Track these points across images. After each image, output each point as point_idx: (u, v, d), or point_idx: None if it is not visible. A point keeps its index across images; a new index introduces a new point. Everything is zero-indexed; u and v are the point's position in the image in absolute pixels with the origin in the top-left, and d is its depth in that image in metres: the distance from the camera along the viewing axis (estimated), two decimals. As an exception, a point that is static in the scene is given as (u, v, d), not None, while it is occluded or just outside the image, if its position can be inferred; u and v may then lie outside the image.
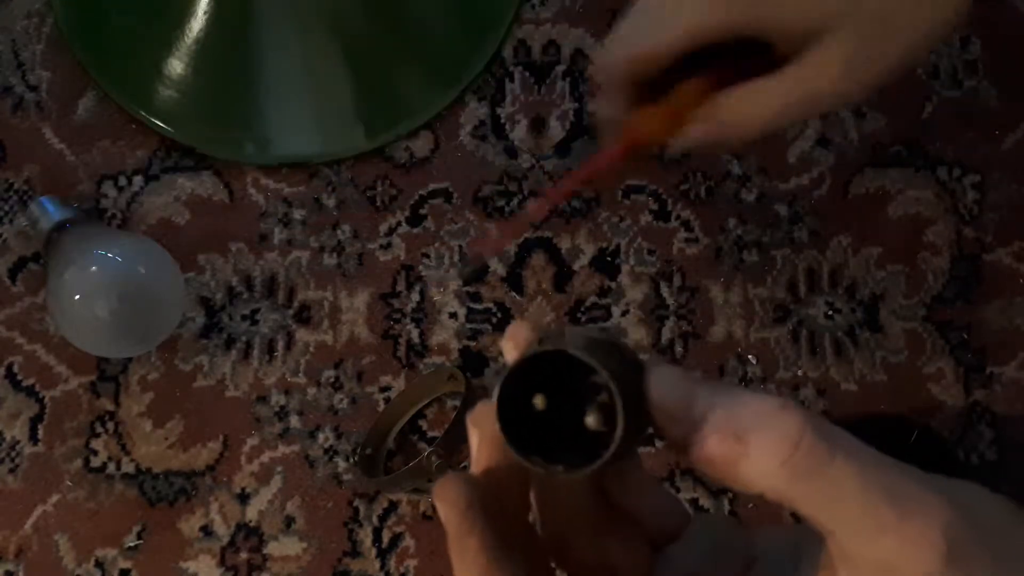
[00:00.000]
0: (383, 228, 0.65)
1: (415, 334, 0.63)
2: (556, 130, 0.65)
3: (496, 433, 0.24)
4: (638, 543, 0.27)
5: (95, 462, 0.62)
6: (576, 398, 0.25)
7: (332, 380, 0.63)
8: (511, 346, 0.26)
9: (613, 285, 0.63)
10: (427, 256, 0.64)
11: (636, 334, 0.62)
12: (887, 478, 0.22)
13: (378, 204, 0.65)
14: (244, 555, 0.61)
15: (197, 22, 0.66)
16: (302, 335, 0.63)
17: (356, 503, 0.61)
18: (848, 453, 0.22)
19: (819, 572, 0.25)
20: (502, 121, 0.66)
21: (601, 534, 0.27)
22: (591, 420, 0.24)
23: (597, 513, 0.27)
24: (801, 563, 0.26)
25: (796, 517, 0.23)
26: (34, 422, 0.62)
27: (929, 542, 0.21)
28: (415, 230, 0.64)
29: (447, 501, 0.24)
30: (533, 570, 0.25)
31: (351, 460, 0.61)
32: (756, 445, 0.22)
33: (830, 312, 0.63)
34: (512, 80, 0.66)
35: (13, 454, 0.62)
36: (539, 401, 0.24)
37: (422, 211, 0.65)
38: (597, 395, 0.24)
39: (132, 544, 0.61)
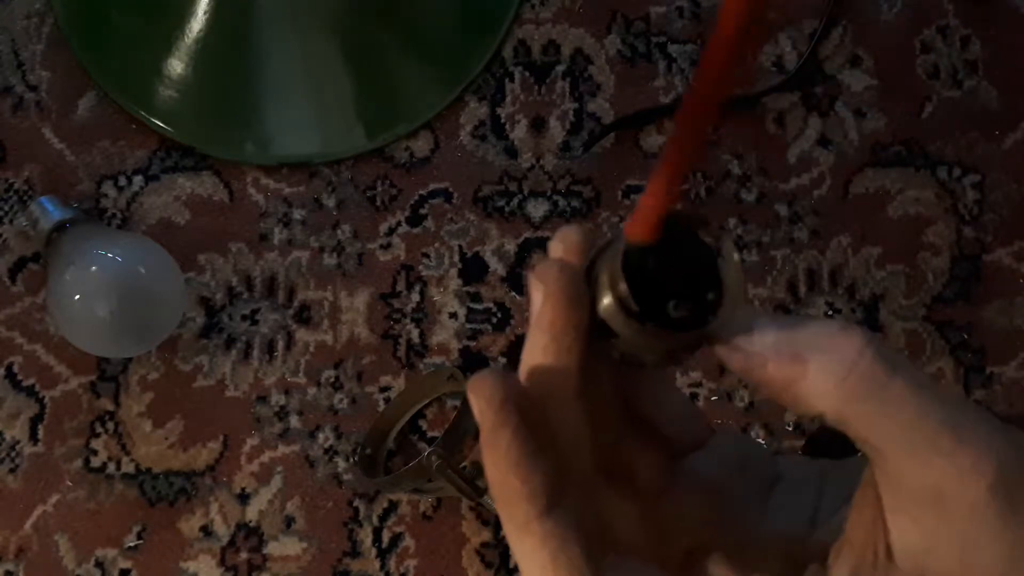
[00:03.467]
0: (383, 228, 0.65)
1: (415, 334, 0.63)
2: (556, 130, 0.65)
3: (565, 290, 0.23)
4: (656, 446, 0.27)
5: (95, 462, 0.62)
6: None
7: (332, 380, 0.63)
8: (560, 246, 0.25)
9: (613, 285, 0.63)
10: (427, 256, 0.64)
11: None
12: (946, 406, 0.21)
13: (378, 204, 0.65)
14: (244, 555, 0.61)
15: (197, 22, 0.66)
16: (302, 335, 0.63)
17: (356, 503, 0.61)
18: (908, 377, 0.22)
19: (858, 489, 0.24)
20: (502, 121, 0.66)
21: (618, 436, 0.26)
22: (674, 307, 0.23)
23: (616, 417, 0.26)
24: (827, 486, 0.26)
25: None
26: (34, 422, 0.62)
27: (980, 472, 0.21)
28: (415, 230, 0.64)
29: (482, 396, 0.23)
30: (563, 471, 0.24)
31: (351, 460, 0.61)
32: (814, 366, 0.22)
33: (830, 312, 0.63)
34: (512, 80, 0.66)
35: (13, 454, 0.62)
36: (651, 261, 0.23)
37: (422, 211, 0.65)
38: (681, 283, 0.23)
39: (132, 544, 0.61)
